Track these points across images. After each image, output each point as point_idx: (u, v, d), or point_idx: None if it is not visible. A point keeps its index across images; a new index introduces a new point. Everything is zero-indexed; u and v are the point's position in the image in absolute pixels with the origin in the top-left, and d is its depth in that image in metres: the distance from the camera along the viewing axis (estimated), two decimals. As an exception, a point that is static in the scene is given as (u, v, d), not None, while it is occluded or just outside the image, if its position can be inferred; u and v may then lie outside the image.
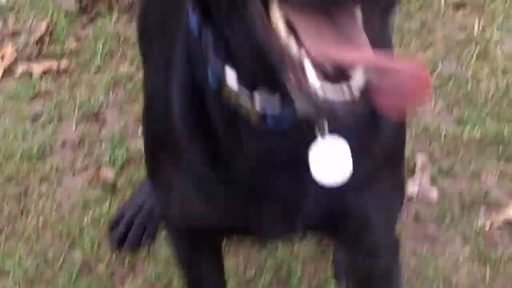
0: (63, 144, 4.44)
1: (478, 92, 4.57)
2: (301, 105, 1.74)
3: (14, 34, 4.93)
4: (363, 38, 1.74)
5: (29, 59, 4.79)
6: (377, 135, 2.39)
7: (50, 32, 4.88)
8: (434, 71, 4.70)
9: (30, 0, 5.10)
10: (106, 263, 4.00)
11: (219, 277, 3.12)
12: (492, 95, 4.55)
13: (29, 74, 4.71)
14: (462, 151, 4.32)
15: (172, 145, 2.49)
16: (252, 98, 2.06)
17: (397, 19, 4.89)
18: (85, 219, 4.12)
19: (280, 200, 2.38)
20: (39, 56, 4.81)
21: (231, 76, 2.07)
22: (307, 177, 2.17)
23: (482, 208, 4.13)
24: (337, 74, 1.67)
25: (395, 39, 4.58)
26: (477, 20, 5.00)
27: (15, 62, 4.77)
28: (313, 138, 2.11)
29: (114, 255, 4.00)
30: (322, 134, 2.10)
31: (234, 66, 2.06)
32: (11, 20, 5.01)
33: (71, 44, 4.86)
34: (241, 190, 2.39)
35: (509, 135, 4.33)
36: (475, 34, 4.93)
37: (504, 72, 4.67)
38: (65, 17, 4.98)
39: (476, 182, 4.23)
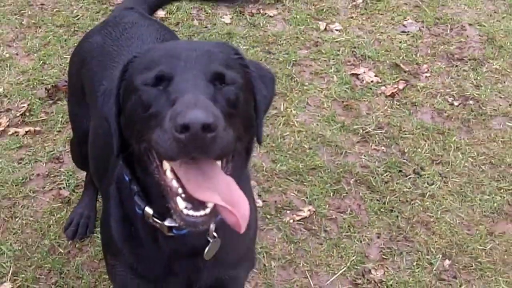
0: (37, 176, 4.48)
1: (284, 143, 4.73)
2: (178, 221, 2.01)
3: (8, 110, 4.92)
4: (220, 178, 1.97)
5: (16, 125, 4.78)
6: (243, 240, 2.60)
7: (29, 109, 4.87)
8: None
9: (17, 91, 5.04)
10: (64, 246, 4.07)
11: None
12: (292, 145, 4.67)
13: (17, 134, 4.72)
14: (275, 178, 4.42)
15: (112, 248, 2.60)
16: (162, 221, 2.25)
17: None
18: (51, 220, 4.20)
19: (185, 276, 2.49)
20: (23, 123, 4.81)
21: (150, 211, 2.27)
22: (201, 261, 2.40)
23: (288, 211, 4.22)
24: (198, 203, 1.96)
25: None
26: (282, 103, 5.07)
27: (7, 127, 4.76)
28: (203, 238, 2.32)
29: (69, 242, 4.07)
30: (210, 237, 2.32)
31: (151, 205, 2.26)
32: (5, 102, 4.97)
33: (42, 116, 4.84)
34: (159, 274, 2.51)
35: (303, 168, 4.49)
36: (282, 110, 4.99)
37: (299, 131, 4.82)
38: (39, 100, 4.95)
39: (284, 196, 4.37)
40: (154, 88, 2.01)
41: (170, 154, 1.85)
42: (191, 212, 1.96)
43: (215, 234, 2.32)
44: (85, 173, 4.10)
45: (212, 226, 2.23)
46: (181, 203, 1.97)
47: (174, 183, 1.98)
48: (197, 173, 1.94)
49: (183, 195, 1.96)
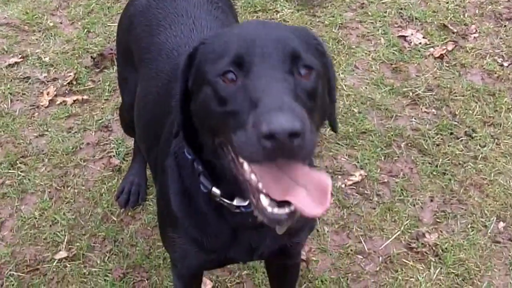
0: (87, 144, 4.54)
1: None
2: (261, 217, 1.91)
3: (54, 79, 4.98)
4: (299, 174, 1.89)
5: (64, 94, 4.85)
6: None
7: (76, 78, 4.92)
8: None
9: (63, 60, 5.10)
10: (117, 214, 4.12)
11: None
12: (341, 109, 4.66)
13: (64, 103, 4.78)
14: (325, 143, 4.43)
15: (173, 221, 2.59)
16: (231, 200, 2.26)
17: None
18: (103, 188, 4.25)
19: (248, 245, 2.52)
20: (70, 92, 4.87)
21: (217, 191, 2.27)
22: (267, 231, 2.42)
23: (339, 176, 4.23)
24: (281, 202, 1.87)
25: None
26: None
27: (55, 96, 4.83)
28: None
29: (121, 210, 4.12)
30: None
31: (218, 186, 2.25)
32: (52, 71, 5.03)
33: (89, 84, 4.90)
34: (222, 244, 2.52)
35: (352, 133, 4.51)
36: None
37: (347, 95, 4.84)
38: (85, 68, 5.00)
39: (335, 160, 4.39)
40: (231, 83, 1.94)
41: (255, 159, 1.80)
42: (275, 210, 1.88)
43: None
44: (133, 140, 4.14)
45: (295, 221, 2.01)
46: (264, 201, 1.88)
47: (253, 177, 1.90)
48: (277, 173, 1.89)
49: (264, 192, 1.88)
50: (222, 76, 1.95)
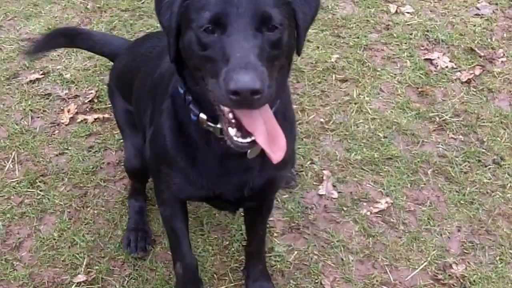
0: (108, 164, 4.48)
1: (357, 131, 4.66)
2: (229, 143, 2.45)
3: (76, 97, 4.93)
4: (264, 115, 2.41)
5: (85, 112, 4.79)
6: (291, 141, 2.94)
7: (97, 95, 4.87)
8: (330, 120, 4.70)
9: (84, 77, 5.05)
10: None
11: (187, 229, 3.44)
12: (366, 134, 4.59)
13: (85, 121, 4.72)
14: (350, 168, 4.36)
15: (166, 158, 2.94)
16: (216, 125, 2.61)
17: (306, 87, 4.88)
18: (123, 210, 4.19)
19: (238, 178, 2.88)
20: (91, 110, 4.81)
21: (204, 117, 2.64)
22: (251, 163, 2.81)
23: (364, 203, 4.15)
24: (246, 132, 2.38)
25: (305, 101, 4.63)
26: (355, 89, 5.01)
27: (76, 114, 4.77)
28: None
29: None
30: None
31: (205, 113, 2.63)
32: (73, 88, 4.97)
33: (110, 103, 4.79)
34: (211, 176, 2.89)
35: (378, 158, 4.42)
36: (354, 97, 4.92)
37: (373, 119, 4.74)
38: (107, 86, 4.90)
39: (360, 187, 4.30)
40: (211, 34, 2.33)
41: (224, 104, 2.29)
42: (240, 140, 2.39)
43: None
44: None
45: (255, 150, 2.59)
46: (232, 131, 2.40)
47: (226, 109, 2.37)
48: (244, 112, 2.35)
49: (233, 122, 2.38)
50: (203, 28, 2.34)
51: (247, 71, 2.16)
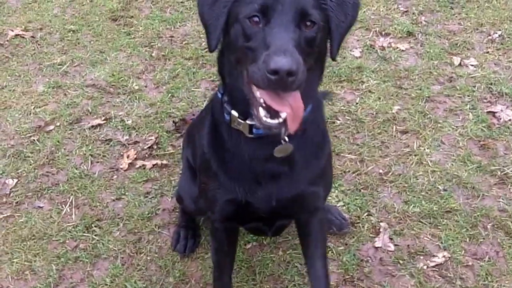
0: (163, 210, 4.45)
1: (416, 184, 4.54)
2: (258, 124, 2.60)
3: (135, 143, 4.93)
4: (291, 96, 2.52)
5: (143, 158, 4.78)
6: (323, 153, 3.11)
7: (156, 142, 4.86)
8: (389, 171, 4.59)
9: (145, 124, 5.04)
10: (189, 285, 3.99)
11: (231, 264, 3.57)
12: (425, 186, 4.47)
13: (144, 167, 4.72)
14: (408, 220, 4.24)
15: (203, 164, 3.13)
16: (245, 121, 2.81)
17: (365, 137, 4.80)
18: (176, 257, 4.14)
19: (264, 183, 2.98)
20: (150, 156, 4.80)
21: (235, 114, 2.83)
22: (279, 169, 2.94)
23: (421, 256, 4.03)
24: (274, 113, 2.52)
25: (364, 151, 4.55)
26: (415, 141, 4.90)
27: (135, 159, 4.76)
28: (277, 142, 2.82)
29: (193, 281, 3.99)
30: (282, 140, 2.81)
31: (237, 110, 2.83)
32: (134, 134, 4.97)
33: (169, 149, 4.83)
34: (241, 179, 2.99)
35: (437, 211, 4.28)
36: (414, 149, 4.80)
37: (432, 172, 4.62)
38: (166, 133, 4.94)
39: (417, 240, 4.16)
40: (255, 25, 2.53)
41: (261, 85, 2.43)
42: (269, 120, 2.53)
43: (286, 139, 2.80)
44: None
45: (284, 132, 2.61)
46: (262, 112, 2.54)
47: (258, 94, 2.53)
48: (275, 94, 2.50)
49: (263, 105, 2.51)
50: (249, 18, 2.55)
51: (285, 55, 2.36)
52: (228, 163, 2.99)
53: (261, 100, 2.52)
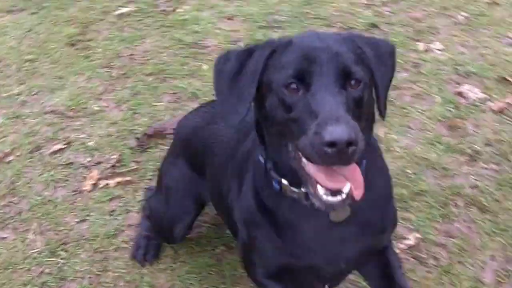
0: (129, 226, 4.35)
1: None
2: (317, 204, 2.32)
3: (98, 163, 4.85)
4: (354, 174, 2.29)
5: (107, 177, 4.70)
6: (387, 195, 2.92)
7: (119, 160, 4.79)
8: None
9: (107, 143, 4.98)
10: None
11: None
12: (394, 171, 4.23)
13: (107, 186, 4.64)
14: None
15: (253, 224, 2.83)
16: (300, 190, 2.51)
17: None
18: (144, 270, 4.04)
19: (331, 243, 2.71)
20: (114, 174, 4.72)
21: (286, 182, 2.55)
22: (341, 233, 2.67)
23: (393, 240, 3.89)
24: (335, 191, 2.27)
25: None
26: (382, 129, 4.80)
27: (98, 180, 4.68)
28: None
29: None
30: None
31: (286, 179, 2.55)
32: (96, 155, 4.91)
33: (132, 165, 4.76)
34: (299, 245, 2.71)
35: (407, 195, 4.27)
36: (382, 136, 4.74)
37: (401, 157, 4.58)
38: (129, 149, 4.87)
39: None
40: (294, 93, 2.27)
41: (316, 160, 2.16)
42: (330, 198, 2.27)
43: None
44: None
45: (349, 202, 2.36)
46: (320, 190, 2.27)
47: (310, 171, 2.27)
48: (330, 169, 2.25)
49: (321, 182, 2.25)
50: (286, 86, 2.28)
51: (340, 123, 2.09)
52: (283, 229, 2.70)
53: (318, 178, 2.27)
